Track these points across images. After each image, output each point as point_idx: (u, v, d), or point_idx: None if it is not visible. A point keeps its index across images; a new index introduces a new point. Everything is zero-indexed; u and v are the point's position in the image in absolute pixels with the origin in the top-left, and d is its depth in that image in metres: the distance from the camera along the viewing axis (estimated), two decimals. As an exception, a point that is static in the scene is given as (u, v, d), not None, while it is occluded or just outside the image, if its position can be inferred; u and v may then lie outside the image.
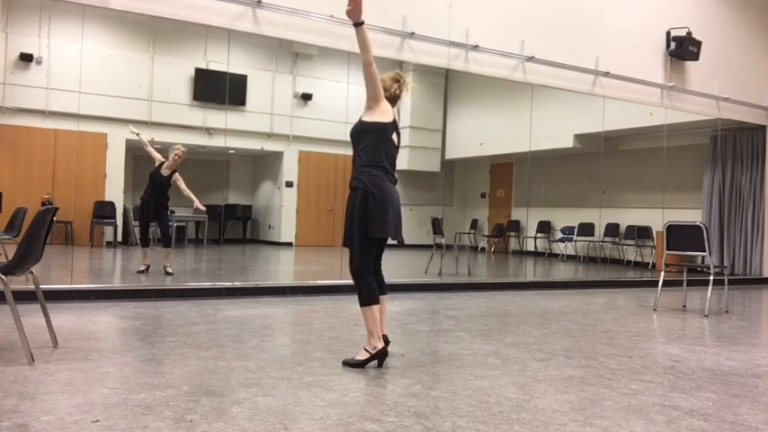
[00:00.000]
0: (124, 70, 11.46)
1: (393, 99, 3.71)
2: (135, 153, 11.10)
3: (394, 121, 3.63)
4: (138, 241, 7.79)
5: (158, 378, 3.09)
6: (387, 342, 3.57)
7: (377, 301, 3.51)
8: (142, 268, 7.32)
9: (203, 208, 7.52)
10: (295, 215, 13.37)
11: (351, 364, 3.48)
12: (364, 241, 3.49)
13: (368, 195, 3.46)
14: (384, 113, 3.56)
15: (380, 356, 3.50)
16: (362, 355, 3.50)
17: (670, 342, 4.67)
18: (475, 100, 14.00)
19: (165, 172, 7.39)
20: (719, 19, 9.80)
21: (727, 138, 10.79)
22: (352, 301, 5.91)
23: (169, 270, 7.33)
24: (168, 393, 2.85)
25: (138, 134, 7.59)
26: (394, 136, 3.64)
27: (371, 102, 3.54)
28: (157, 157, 7.52)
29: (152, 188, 7.43)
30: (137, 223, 8.56)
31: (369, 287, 3.49)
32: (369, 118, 3.55)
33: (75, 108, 10.02)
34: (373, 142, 3.52)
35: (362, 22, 3.40)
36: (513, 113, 11.71)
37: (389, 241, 3.62)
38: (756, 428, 2.69)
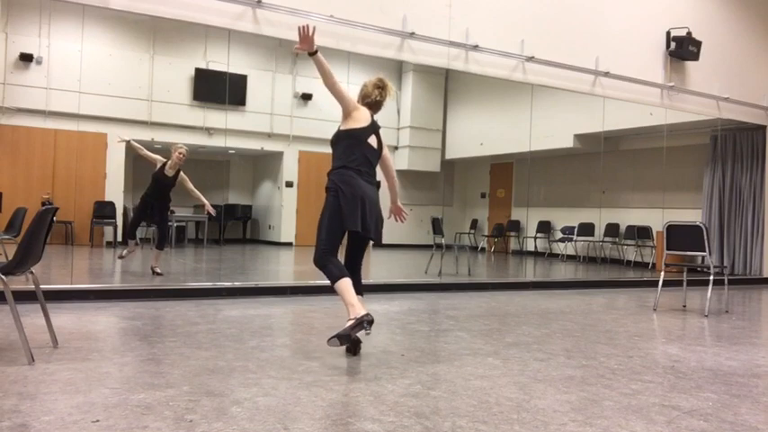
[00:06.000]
0: (124, 70, 11.45)
1: (375, 105, 3.98)
2: (135, 153, 11.10)
3: (371, 126, 3.85)
4: (127, 234, 7.56)
5: (158, 378, 3.09)
6: (358, 344, 3.69)
7: (346, 274, 3.61)
8: (124, 253, 7.22)
9: (214, 212, 7.37)
10: (295, 215, 13.36)
11: (341, 336, 3.39)
12: (331, 229, 3.67)
13: (338, 193, 3.69)
14: (357, 121, 3.81)
15: (366, 321, 3.42)
16: (349, 324, 3.44)
17: (670, 342, 4.67)
18: (475, 100, 14.00)
19: (169, 172, 7.21)
20: (719, 19, 9.80)
21: (727, 138, 10.79)
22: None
23: (158, 271, 7.13)
24: (168, 393, 2.85)
25: (127, 140, 7.35)
26: (372, 139, 3.85)
27: (344, 113, 3.85)
28: (157, 158, 7.30)
29: (156, 189, 7.25)
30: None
31: (334, 265, 3.62)
32: (343, 126, 3.85)
33: (75, 108, 10.01)
34: (347, 148, 3.78)
35: (316, 51, 3.70)
36: (513, 113, 11.71)
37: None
38: (756, 428, 2.69)
